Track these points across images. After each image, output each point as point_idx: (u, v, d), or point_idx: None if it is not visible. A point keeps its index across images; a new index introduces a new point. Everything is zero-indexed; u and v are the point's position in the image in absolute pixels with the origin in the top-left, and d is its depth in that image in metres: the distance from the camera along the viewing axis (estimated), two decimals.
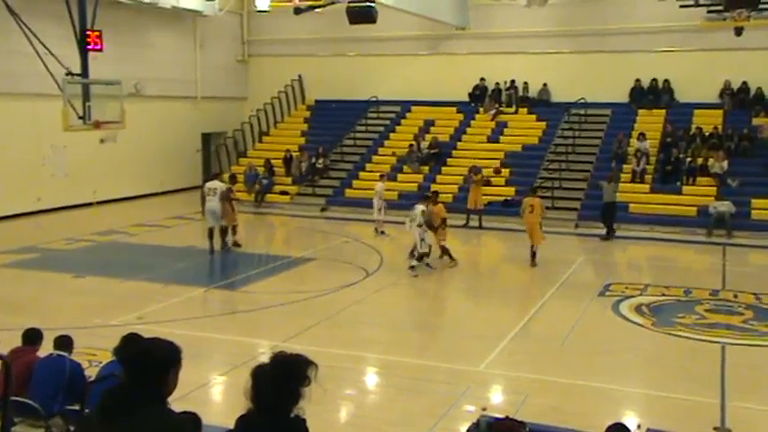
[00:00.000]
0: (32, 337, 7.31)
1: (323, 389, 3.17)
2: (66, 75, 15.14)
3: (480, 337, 11.28)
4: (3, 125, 20.45)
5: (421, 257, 15.26)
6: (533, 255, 16.12)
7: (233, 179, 18.24)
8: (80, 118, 15.12)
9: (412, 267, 15.23)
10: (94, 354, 9.38)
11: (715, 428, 7.94)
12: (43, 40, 15.43)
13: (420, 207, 15.22)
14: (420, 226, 14.98)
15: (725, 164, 21.26)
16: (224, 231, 16.96)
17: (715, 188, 20.86)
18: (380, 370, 10.14)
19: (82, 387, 6.64)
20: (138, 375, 3.01)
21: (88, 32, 15.42)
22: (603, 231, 19.21)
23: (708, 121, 23.31)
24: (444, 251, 15.68)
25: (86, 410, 6.10)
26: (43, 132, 20.85)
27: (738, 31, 21.62)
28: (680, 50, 24.60)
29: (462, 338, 11.34)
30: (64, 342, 7.15)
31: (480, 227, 20.50)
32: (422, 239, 15.13)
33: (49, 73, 15.21)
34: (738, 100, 24.00)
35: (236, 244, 17.36)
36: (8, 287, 14.32)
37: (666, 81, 24.88)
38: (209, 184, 17.27)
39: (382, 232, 19.07)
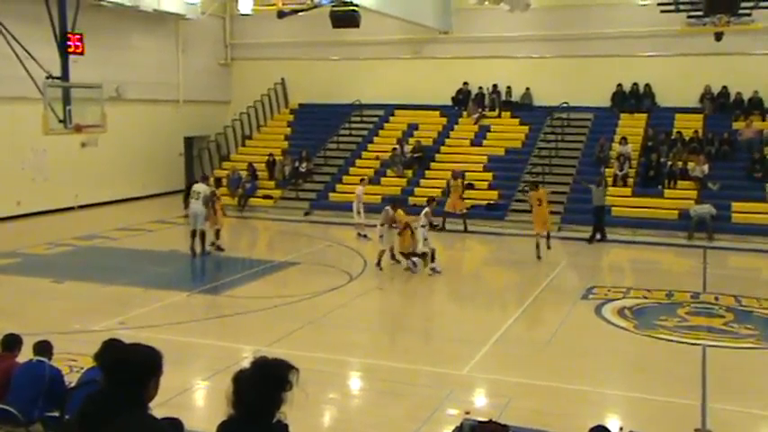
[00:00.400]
0: (11, 342, 7.23)
1: (305, 393, 3.16)
2: (47, 78, 15.01)
3: (464, 340, 11.30)
4: None
5: (422, 255, 15.60)
6: (548, 238, 17.08)
7: (218, 183, 18.21)
8: (61, 122, 14.99)
9: (414, 264, 15.62)
10: (75, 359, 9.30)
11: (696, 430, 8.00)
12: (23, 43, 15.29)
13: (426, 209, 16.15)
14: (424, 227, 15.61)
15: (705, 167, 21.46)
16: (203, 235, 16.90)
17: (696, 192, 21.05)
18: (364, 374, 10.13)
19: (62, 393, 6.57)
20: (119, 381, 2.98)
21: (69, 35, 15.29)
22: (588, 235, 19.26)
23: (689, 126, 23.53)
24: (406, 256, 15.66)
25: (66, 417, 6.03)
26: (23, 136, 20.64)
27: (718, 37, 21.85)
28: (661, 55, 24.85)
29: (446, 342, 11.36)
30: (43, 347, 7.08)
31: (465, 230, 20.52)
32: (425, 239, 15.60)
33: (29, 76, 15.07)
34: (719, 104, 24.25)
35: (219, 248, 17.28)
36: None
37: (648, 85, 25.10)
38: (195, 187, 17.31)
39: (365, 236, 19.06)
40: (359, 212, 19.47)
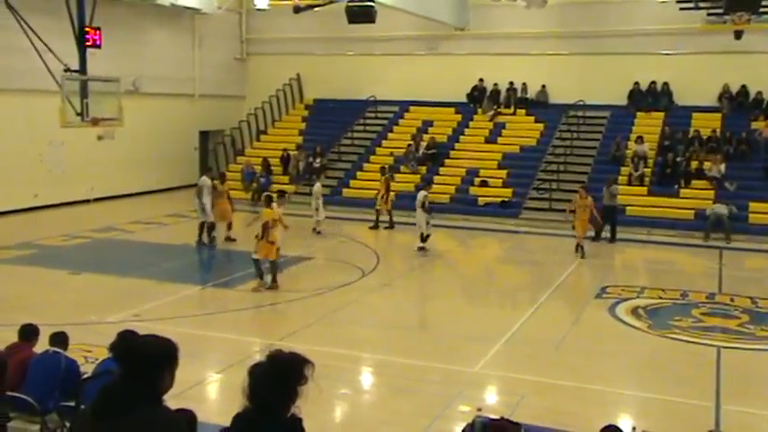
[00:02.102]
0: (28, 333, 7.30)
1: (319, 388, 3.16)
2: (65, 71, 15.12)
3: (476, 338, 11.28)
4: (0, 121, 20.40)
5: (426, 238, 16.81)
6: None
7: (222, 177, 18.56)
8: (78, 115, 15.11)
9: (421, 249, 16.80)
10: (90, 350, 9.38)
11: (710, 431, 7.95)
12: (42, 37, 15.40)
13: (422, 192, 17.22)
14: (422, 207, 16.87)
15: (722, 167, 21.30)
16: (210, 227, 17.37)
17: (713, 191, 20.89)
18: (376, 370, 10.14)
19: (77, 384, 6.63)
20: (134, 372, 3.00)
21: (87, 29, 15.39)
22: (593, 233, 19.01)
23: (706, 125, 23.34)
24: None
25: (82, 407, 6.08)
26: (41, 129, 20.80)
27: (738, 35, 21.65)
28: (679, 53, 24.64)
29: (458, 339, 11.34)
30: (59, 339, 7.15)
31: (391, 226, 19.82)
32: (427, 222, 16.85)
33: (47, 69, 15.18)
34: (737, 104, 24.03)
35: (229, 238, 17.64)
36: (4, 283, 14.30)
37: (665, 84, 24.91)
38: (198, 180, 18.09)
39: (319, 232, 19.13)
40: (317, 209, 19.34)
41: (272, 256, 13.54)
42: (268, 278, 13.71)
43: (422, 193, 17.29)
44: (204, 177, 18.11)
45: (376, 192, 20.45)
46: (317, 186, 19.97)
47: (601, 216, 18.79)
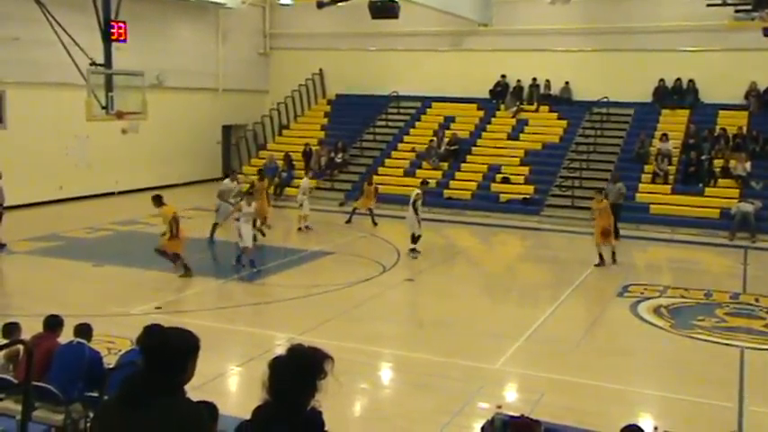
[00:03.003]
0: (53, 324, 7.40)
1: (339, 383, 3.17)
2: (90, 65, 15.25)
3: (496, 335, 11.25)
4: (27, 114, 20.65)
5: (417, 238, 16.47)
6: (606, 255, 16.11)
7: (261, 174, 19.03)
8: (103, 108, 15.23)
9: (413, 250, 16.35)
10: (113, 342, 9.49)
11: None
12: (68, 31, 15.55)
13: (416, 191, 16.90)
14: (413, 205, 16.50)
15: (748, 165, 21.03)
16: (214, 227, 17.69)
17: (738, 190, 20.63)
18: (395, 365, 10.15)
19: (101, 374, 6.71)
20: (160, 363, 3.04)
21: (113, 23, 15.52)
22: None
23: (732, 123, 23.03)
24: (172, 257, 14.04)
25: (105, 397, 6.15)
26: (67, 122, 21.04)
27: (766, 32, 21.32)
28: (706, 50, 24.29)
29: (478, 336, 11.32)
30: (83, 330, 7.24)
31: (374, 224, 19.89)
32: (419, 221, 16.60)
33: (73, 63, 15.33)
34: (764, 101, 23.68)
35: (261, 231, 17.53)
36: (30, 274, 14.51)
37: (691, 81, 24.60)
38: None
39: (307, 227, 19.17)
40: (301, 204, 19.48)
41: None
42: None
43: (415, 192, 16.85)
44: (227, 180, 18.25)
45: (360, 197, 20.75)
46: (306, 181, 20.08)
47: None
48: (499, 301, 14.25)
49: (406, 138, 26.13)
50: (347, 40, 28.49)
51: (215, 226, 17.64)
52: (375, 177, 24.04)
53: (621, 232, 19.31)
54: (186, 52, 26.24)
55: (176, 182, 25.95)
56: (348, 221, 20.34)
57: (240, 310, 12.52)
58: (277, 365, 3.14)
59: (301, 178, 24.50)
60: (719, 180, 21.26)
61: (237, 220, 14.79)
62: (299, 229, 19.29)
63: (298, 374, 3.11)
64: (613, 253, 16.23)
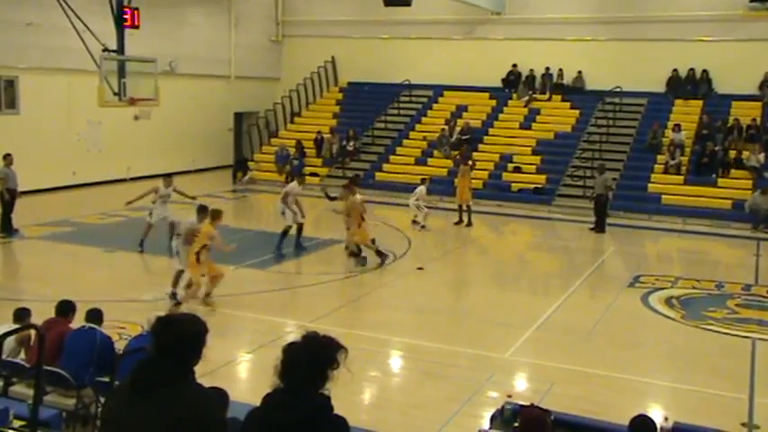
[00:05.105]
0: (65, 308, 7.46)
1: (350, 373, 3.18)
2: (103, 51, 15.28)
3: (506, 324, 11.25)
4: (40, 100, 20.74)
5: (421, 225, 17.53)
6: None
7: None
8: (115, 94, 15.27)
9: (416, 223, 17.66)
10: (123, 327, 9.55)
11: (742, 424, 7.85)
12: (81, 17, 15.58)
13: (422, 188, 17.88)
14: (418, 201, 17.62)
15: (761, 156, 20.87)
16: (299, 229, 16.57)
17: (751, 181, 20.48)
18: (405, 353, 10.16)
19: (112, 359, 6.75)
20: (169, 349, 3.07)
21: (126, 9, 15.53)
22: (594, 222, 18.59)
23: (746, 113, 22.84)
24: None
25: (116, 383, 6.20)
26: (79, 108, 21.11)
27: None
28: (720, 40, 24.06)
29: (488, 325, 11.32)
30: (95, 315, 7.29)
31: (469, 224, 18.66)
32: (422, 212, 17.53)
33: (86, 49, 15.37)
34: None
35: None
36: (42, 259, 14.61)
37: (705, 71, 24.38)
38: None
39: (423, 227, 18.85)
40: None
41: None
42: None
43: (421, 189, 17.85)
44: (293, 183, 16.36)
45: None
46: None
47: (594, 206, 18.37)
48: (510, 290, 14.23)
49: (418, 126, 26.07)
50: (360, 28, 28.38)
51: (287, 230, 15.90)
52: (386, 166, 24.14)
53: (632, 222, 19.31)
54: (199, 39, 26.23)
55: (188, 168, 26.02)
56: (458, 222, 18.88)
57: (251, 297, 12.55)
58: (291, 351, 3.15)
59: (313, 166, 24.52)
60: (732, 171, 21.11)
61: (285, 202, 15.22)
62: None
63: (311, 361, 3.12)
64: None
